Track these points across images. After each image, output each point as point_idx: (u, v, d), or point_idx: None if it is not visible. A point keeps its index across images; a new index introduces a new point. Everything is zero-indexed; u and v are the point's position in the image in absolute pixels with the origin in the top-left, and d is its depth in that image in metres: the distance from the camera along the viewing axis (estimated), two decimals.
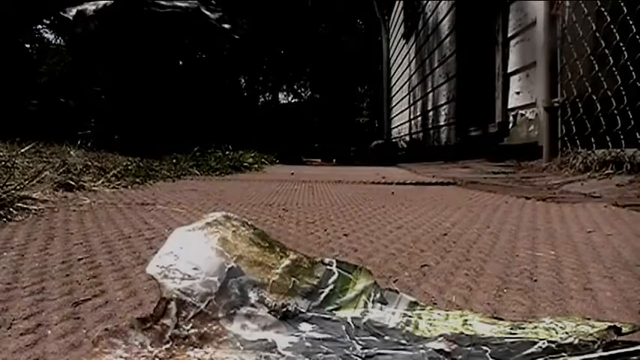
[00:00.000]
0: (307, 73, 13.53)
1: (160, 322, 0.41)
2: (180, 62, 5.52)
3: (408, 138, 7.99)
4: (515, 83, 3.47)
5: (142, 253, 0.81)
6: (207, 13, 5.73)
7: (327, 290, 0.48)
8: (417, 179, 2.73)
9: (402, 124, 8.88)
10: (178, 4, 5.51)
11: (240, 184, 2.42)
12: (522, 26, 3.27)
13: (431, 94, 6.22)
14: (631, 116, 2.10)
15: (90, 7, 5.26)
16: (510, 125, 3.57)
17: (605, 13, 2.33)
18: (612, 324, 0.41)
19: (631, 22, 2.15)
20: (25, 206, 1.25)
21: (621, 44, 2.20)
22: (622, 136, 2.15)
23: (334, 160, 5.41)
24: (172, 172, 2.75)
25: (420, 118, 7.11)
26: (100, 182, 1.88)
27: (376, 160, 6.28)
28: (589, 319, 0.46)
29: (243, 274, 0.46)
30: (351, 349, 0.41)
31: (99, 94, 5.62)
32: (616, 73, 2.25)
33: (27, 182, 1.44)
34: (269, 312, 0.44)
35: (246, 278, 0.46)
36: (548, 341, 0.39)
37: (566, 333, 0.41)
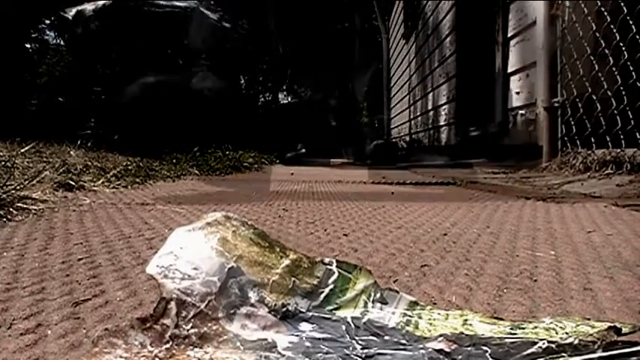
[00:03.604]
0: (307, 73, 13.53)
1: (159, 322, 0.41)
2: (180, 62, 5.52)
3: (408, 138, 7.99)
4: (515, 83, 3.47)
5: (142, 253, 0.81)
6: (207, 12, 5.73)
7: (327, 290, 0.48)
8: (417, 179, 2.73)
9: (402, 124, 8.88)
10: (177, 3, 5.51)
11: (240, 184, 2.42)
12: (522, 26, 3.27)
13: (431, 94, 6.22)
14: (631, 116, 2.10)
15: (89, 7, 5.26)
16: (510, 125, 3.58)
17: (605, 13, 2.33)
18: (612, 324, 0.41)
19: (631, 22, 2.15)
20: (25, 206, 1.25)
21: (621, 44, 2.20)
22: (622, 136, 2.15)
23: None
24: (172, 172, 2.75)
25: (420, 118, 7.11)
26: (100, 182, 1.88)
27: (376, 160, 6.28)
28: (589, 319, 0.46)
29: (243, 274, 0.46)
30: (351, 348, 0.41)
31: (99, 94, 5.62)
32: (616, 73, 2.25)
33: (27, 182, 1.44)
34: (269, 312, 0.44)
35: (246, 278, 0.46)
36: (548, 341, 0.39)
37: (566, 333, 0.41)
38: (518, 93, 3.42)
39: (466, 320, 0.46)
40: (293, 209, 1.40)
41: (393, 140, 8.90)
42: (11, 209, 1.19)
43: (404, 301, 0.48)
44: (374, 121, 12.05)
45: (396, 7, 9.08)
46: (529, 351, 0.39)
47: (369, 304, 0.47)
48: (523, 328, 0.43)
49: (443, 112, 5.62)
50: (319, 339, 0.42)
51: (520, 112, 3.39)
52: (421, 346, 0.41)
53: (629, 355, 0.37)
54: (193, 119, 5.33)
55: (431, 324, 0.45)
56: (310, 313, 0.45)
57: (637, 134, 2.07)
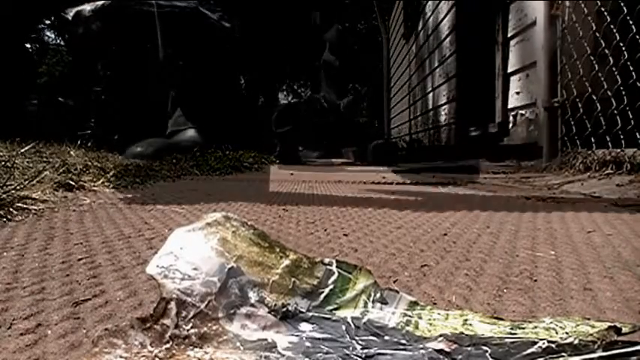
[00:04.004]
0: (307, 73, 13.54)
1: (159, 322, 0.42)
2: (180, 62, 5.52)
3: (408, 138, 7.99)
4: (515, 83, 3.47)
5: (142, 253, 0.81)
6: (207, 12, 5.72)
7: (327, 290, 0.48)
8: (417, 179, 2.73)
9: (402, 124, 8.88)
10: (177, 3, 5.50)
11: (240, 184, 2.42)
12: (522, 26, 3.27)
13: (431, 94, 6.22)
14: (631, 116, 2.10)
15: (88, 8, 5.25)
16: (510, 125, 3.58)
17: (605, 13, 2.33)
18: (612, 324, 0.41)
19: (631, 22, 2.15)
20: (25, 206, 1.25)
21: (621, 44, 2.20)
22: (622, 136, 2.15)
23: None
24: (172, 172, 2.75)
25: (420, 118, 7.11)
26: (100, 182, 1.88)
27: (376, 160, 6.28)
28: (589, 319, 0.46)
29: (243, 274, 0.46)
30: (351, 349, 0.41)
31: (99, 94, 5.62)
32: (616, 73, 2.25)
33: (27, 182, 1.44)
34: (269, 312, 0.44)
35: (246, 278, 0.46)
36: (548, 341, 0.39)
37: (566, 333, 0.41)
38: (518, 93, 3.42)
39: (466, 320, 0.46)
40: (293, 209, 1.40)
41: (393, 140, 8.89)
42: (11, 209, 1.19)
43: (404, 301, 0.48)
44: (374, 121, 12.03)
45: (396, 7, 9.08)
46: (529, 351, 0.39)
47: (369, 304, 0.47)
48: (523, 328, 0.43)
49: (443, 112, 5.62)
50: (319, 339, 0.42)
51: (520, 112, 3.39)
52: (421, 346, 0.41)
53: (629, 355, 0.37)
54: (193, 119, 5.32)
55: (431, 324, 0.45)
56: (310, 313, 0.45)
57: (637, 134, 2.07)
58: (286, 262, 0.49)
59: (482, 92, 4.10)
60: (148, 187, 2.06)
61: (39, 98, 6.18)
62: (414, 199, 1.72)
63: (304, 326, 0.44)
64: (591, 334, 0.40)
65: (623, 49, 2.18)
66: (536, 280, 0.65)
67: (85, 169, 2.03)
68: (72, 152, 2.63)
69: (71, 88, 6.13)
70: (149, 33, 5.21)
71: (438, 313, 0.47)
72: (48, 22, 7.48)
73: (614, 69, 2.26)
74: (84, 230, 1.02)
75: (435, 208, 1.40)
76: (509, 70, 3.54)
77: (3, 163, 1.68)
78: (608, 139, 2.24)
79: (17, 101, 5.71)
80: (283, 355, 0.40)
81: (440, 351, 0.40)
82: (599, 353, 0.38)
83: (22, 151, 2.05)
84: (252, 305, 0.44)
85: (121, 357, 0.39)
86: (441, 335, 0.42)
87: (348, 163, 6.98)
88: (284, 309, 0.45)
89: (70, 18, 5.38)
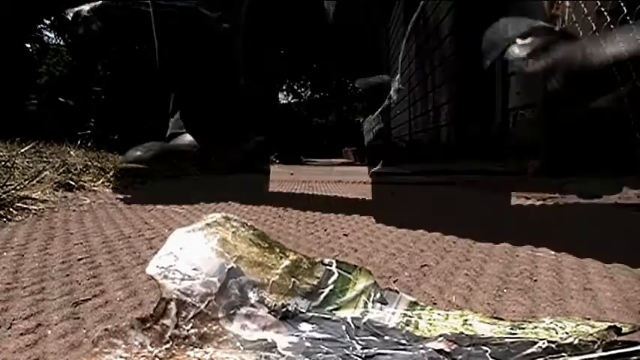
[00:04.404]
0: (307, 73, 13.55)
1: (159, 322, 0.42)
2: (179, 63, 5.52)
3: (408, 138, 7.99)
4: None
5: (142, 253, 0.81)
6: (207, 12, 5.73)
7: (327, 290, 0.48)
8: (417, 179, 2.73)
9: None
10: (176, 3, 5.51)
11: (240, 184, 2.42)
12: None
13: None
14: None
15: (87, 7, 5.26)
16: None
17: (605, 13, 2.33)
18: (612, 324, 0.41)
19: (631, 22, 2.15)
20: (25, 206, 1.25)
21: None
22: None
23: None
24: (172, 172, 2.75)
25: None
26: (100, 182, 1.88)
27: (376, 160, 6.28)
28: (589, 319, 0.46)
29: (243, 275, 0.46)
30: (351, 349, 0.41)
31: (99, 94, 5.62)
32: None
33: (27, 182, 1.44)
34: (269, 312, 0.44)
35: (246, 278, 0.46)
36: (548, 341, 0.39)
37: (566, 333, 0.41)
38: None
39: (466, 320, 0.46)
40: (293, 209, 1.40)
41: (393, 140, 8.89)
42: (11, 209, 1.19)
43: (404, 301, 0.48)
44: None
45: (396, 7, 9.09)
46: (529, 351, 0.39)
47: (369, 305, 0.47)
48: (523, 328, 0.43)
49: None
50: (319, 339, 0.42)
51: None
52: (421, 346, 0.41)
53: (629, 355, 0.37)
54: (194, 119, 5.32)
55: (431, 324, 0.45)
56: (310, 314, 0.45)
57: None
58: (286, 262, 0.49)
59: (483, 92, 4.10)
60: (148, 187, 2.06)
61: (39, 98, 6.18)
62: (414, 198, 1.72)
63: (304, 326, 0.44)
64: (591, 334, 0.40)
65: None
66: (536, 280, 0.65)
67: (85, 169, 2.03)
68: (72, 152, 2.62)
69: (71, 88, 6.14)
70: (149, 33, 5.21)
71: (438, 313, 0.47)
72: (48, 22, 7.48)
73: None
74: (84, 230, 1.02)
75: (435, 208, 1.40)
76: (509, 70, 3.54)
77: (3, 163, 1.68)
78: None
79: (17, 101, 5.71)
80: (283, 355, 0.40)
81: (440, 351, 0.40)
82: (599, 353, 0.38)
83: (22, 151, 2.04)
84: (252, 305, 0.44)
85: (121, 357, 0.39)
86: (441, 335, 0.42)
87: (347, 163, 6.98)
88: (284, 309, 0.45)
89: (70, 18, 5.38)
